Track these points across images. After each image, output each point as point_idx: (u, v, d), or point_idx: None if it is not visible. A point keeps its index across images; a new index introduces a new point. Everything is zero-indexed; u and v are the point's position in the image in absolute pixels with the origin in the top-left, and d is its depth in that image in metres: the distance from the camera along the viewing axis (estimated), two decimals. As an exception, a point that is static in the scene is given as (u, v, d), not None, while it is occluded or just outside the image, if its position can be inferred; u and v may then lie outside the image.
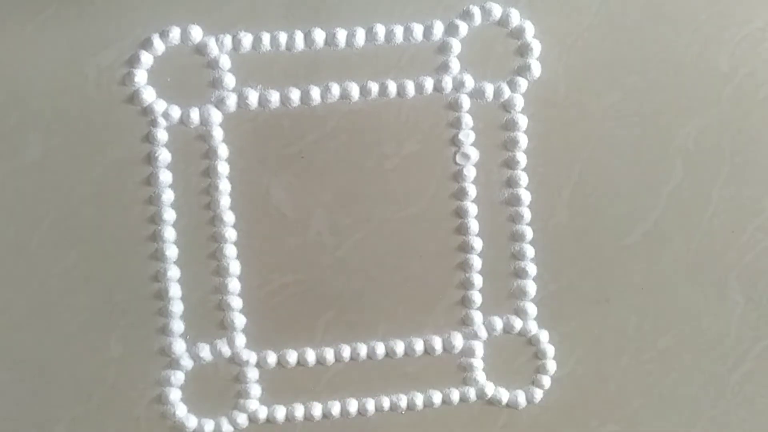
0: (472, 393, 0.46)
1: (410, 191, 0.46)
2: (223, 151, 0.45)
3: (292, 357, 0.45)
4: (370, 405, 0.46)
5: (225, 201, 0.45)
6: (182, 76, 0.45)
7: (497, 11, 0.46)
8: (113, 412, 0.45)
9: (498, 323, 0.46)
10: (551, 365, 0.46)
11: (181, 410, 0.45)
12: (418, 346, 0.46)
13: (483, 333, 0.46)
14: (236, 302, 0.45)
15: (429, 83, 0.46)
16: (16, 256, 0.44)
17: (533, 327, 0.46)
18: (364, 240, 0.46)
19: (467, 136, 0.46)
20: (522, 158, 0.46)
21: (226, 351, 0.45)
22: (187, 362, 0.45)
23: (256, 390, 0.45)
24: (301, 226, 0.45)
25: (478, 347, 0.46)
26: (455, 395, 0.46)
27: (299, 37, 0.45)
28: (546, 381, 0.47)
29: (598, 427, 0.47)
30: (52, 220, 0.44)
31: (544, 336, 0.46)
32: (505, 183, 0.46)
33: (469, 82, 0.46)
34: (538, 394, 0.47)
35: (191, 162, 0.45)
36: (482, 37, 0.46)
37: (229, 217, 0.45)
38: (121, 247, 0.45)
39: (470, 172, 0.46)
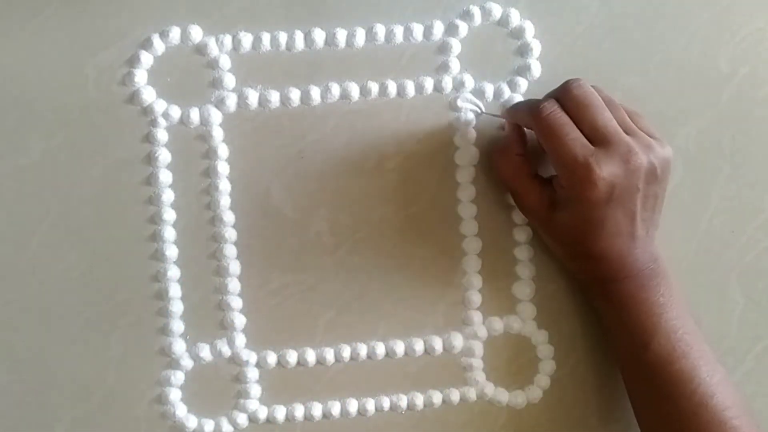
0: (472, 393, 0.46)
1: (410, 191, 0.46)
2: (223, 151, 0.45)
3: (292, 357, 0.45)
4: (370, 405, 0.46)
5: (225, 201, 0.45)
6: (182, 76, 0.45)
7: (497, 11, 0.46)
8: (113, 412, 0.45)
9: (498, 323, 0.46)
10: (551, 365, 0.46)
11: (181, 410, 0.45)
12: (418, 346, 0.46)
13: (483, 333, 0.46)
14: (236, 302, 0.45)
15: (429, 83, 0.46)
16: (16, 256, 0.44)
17: (533, 327, 0.46)
18: (364, 240, 0.46)
19: (466, 136, 0.46)
20: (522, 158, 0.46)
21: (226, 351, 0.45)
22: (187, 362, 0.45)
23: (256, 390, 0.45)
24: (301, 226, 0.45)
25: (478, 347, 0.46)
26: (455, 395, 0.46)
27: (299, 37, 0.45)
28: (546, 381, 0.47)
29: (598, 427, 0.47)
30: (52, 220, 0.44)
31: (544, 336, 0.46)
32: (505, 183, 0.46)
33: (469, 82, 0.46)
34: (538, 394, 0.47)
35: (191, 162, 0.45)
36: (482, 37, 0.46)
37: (229, 217, 0.45)
38: (121, 247, 0.45)
39: (469, 172, 0.46)
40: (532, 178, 0.43)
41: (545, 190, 0.43)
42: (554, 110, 0.40)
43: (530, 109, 0.41)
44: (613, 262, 0.41)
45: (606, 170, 0.39)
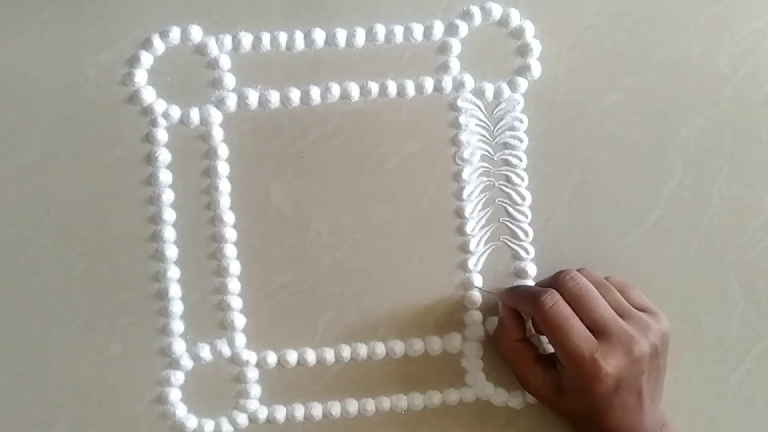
0: (471, 393, 0.46)
1: (410, 191, 0.46)
2: (223, 151, 0.45)
3: (292, 357, 0.45)
4: (370, 405, 0.46)
5: (225, 201, 0.45)
6: (182, 76, 0.45)
7: (497, 11, 0.46)
8: (113, 412, 0.45)
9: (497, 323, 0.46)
10: (551, 365, 0.46)
11: (181, 410, 0.45)
12: (418, 346, 0.46)
13: (483, 333, 0.46)
14: (236, 302, 0.45)
15: (429, 83, 0.46)
16: (16, 256, 0.44)
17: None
18: (364, 240, 0.46)
19: (467, 136, 0.46)
20: (522, 158, 0.46)
21: (226, 351, 0.45)
22: (187, 362, 0.45)
23: (256, 390, 0.45)
24: (301, 226, 0.45)
25: (478, 347, 0.46)
26: (455, 396, 0.46)
27: (299, 37, 0.45)
28: (546, 381, 0.47)
29: (598, 427, 0.47)
30: (52, 220, 0.44)
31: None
32: (506, 182, 0.46)
33: (469, 82, 0.46)
34: (538, 394, 0.47)
35: (191, 162, 0.45)
36: (482, 37, 0.46)
37: (229, 217, 0.45)
38: (121, 247, 0.45)
39: (470, 172, 0.46)
40: (534, 362, 0.43)
41: (549, 374, 0.43)
42: (556, 302, 0.40)
43: (531, 302, 0.41)
44: None
45: (611, 365, 0.39)
